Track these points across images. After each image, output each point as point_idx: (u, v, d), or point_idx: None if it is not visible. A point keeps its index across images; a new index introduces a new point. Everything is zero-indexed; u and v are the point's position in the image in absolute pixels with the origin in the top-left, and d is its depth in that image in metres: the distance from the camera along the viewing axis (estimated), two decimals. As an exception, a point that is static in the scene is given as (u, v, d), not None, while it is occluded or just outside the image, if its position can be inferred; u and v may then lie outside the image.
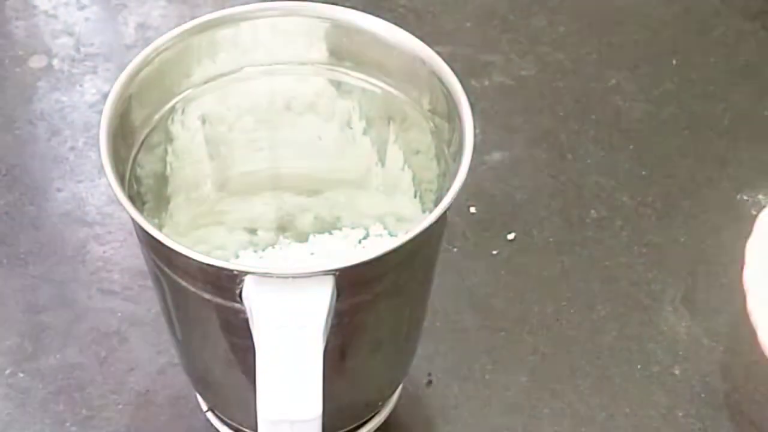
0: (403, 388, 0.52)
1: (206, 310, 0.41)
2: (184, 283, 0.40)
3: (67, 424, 0.52)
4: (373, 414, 0.50)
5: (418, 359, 0.51)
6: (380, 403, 0.50)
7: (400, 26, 0.46)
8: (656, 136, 0.60)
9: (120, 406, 0.52)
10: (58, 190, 0.60)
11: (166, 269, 0.41)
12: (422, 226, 0.39)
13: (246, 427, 0.49)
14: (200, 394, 0.51)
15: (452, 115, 0.44)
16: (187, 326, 0.45)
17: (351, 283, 0.38)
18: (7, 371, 0.54)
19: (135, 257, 0.57)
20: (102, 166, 0.38)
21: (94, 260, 0.58)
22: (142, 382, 0.53)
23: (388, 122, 0.48)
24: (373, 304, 0.41)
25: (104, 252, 0.58)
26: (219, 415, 0.50)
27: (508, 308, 0.56)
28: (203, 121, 0.48)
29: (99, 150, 0.39)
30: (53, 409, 0.52)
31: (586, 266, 0.58)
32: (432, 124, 0.46)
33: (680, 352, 0.54)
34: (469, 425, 0.52)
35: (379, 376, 0.48)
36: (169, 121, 0.47)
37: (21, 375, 0.54)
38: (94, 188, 0.60)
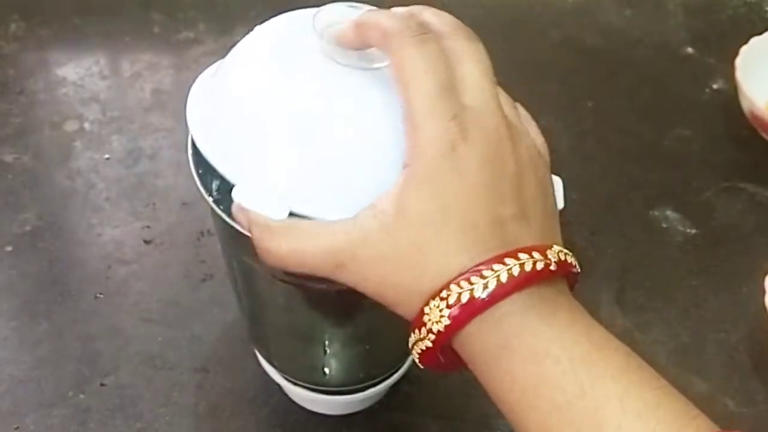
0: (403, 387, 0.53)
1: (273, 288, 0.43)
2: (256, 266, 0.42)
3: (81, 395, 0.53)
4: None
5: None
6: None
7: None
8: (580, 167, 0.68)
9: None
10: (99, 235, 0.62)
11: (242, 257, 0.42)
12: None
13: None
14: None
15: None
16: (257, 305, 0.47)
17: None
18: (7, 371, 0.54)
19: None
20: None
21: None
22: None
23: None
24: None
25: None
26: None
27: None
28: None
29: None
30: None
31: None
32: None
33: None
34: (469, 425, 0.53)
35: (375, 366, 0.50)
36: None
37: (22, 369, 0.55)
38: (129, 233, 0.62)
